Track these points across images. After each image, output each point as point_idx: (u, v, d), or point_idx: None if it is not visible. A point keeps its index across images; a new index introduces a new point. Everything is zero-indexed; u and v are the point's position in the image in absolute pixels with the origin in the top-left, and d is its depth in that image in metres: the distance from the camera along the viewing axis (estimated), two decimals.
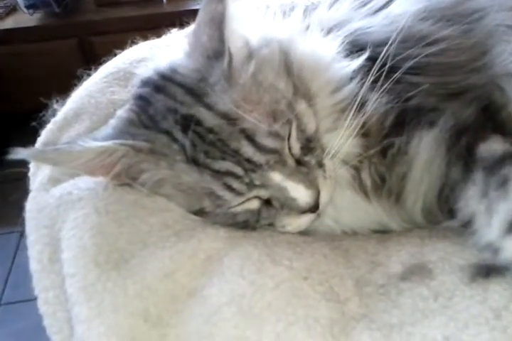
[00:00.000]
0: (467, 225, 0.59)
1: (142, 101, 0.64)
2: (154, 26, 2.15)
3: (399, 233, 0.65)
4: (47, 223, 0.60)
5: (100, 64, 0.86)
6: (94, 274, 0.51)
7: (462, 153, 0.63)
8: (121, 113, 0.65)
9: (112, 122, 0.64)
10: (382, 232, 0.68)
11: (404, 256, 0.58)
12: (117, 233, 0.57)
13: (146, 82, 0.66)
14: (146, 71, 0.68)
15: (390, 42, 0.72)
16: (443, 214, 0.64)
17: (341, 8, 0.83)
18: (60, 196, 0.62)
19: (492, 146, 0.62)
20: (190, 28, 0.97)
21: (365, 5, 0.82)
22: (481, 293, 0.52)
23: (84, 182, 0.63)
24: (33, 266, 0.58)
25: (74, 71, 0.83)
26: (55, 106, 0.77)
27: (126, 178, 0.63)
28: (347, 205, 0.67)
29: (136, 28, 2.15)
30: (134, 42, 0.93)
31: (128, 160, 0.61)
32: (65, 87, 0.80)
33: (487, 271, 0.54)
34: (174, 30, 1.05)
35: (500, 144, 0.63)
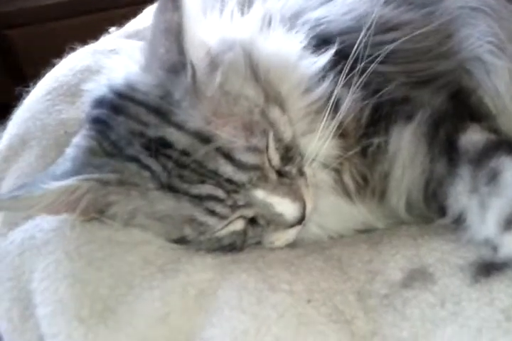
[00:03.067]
0: (459, 221, 0.58)
1: (101, 125, 0.57)
2: (77, 13, 2.03)
3: (388, 233, 0.63)
4: (11, 275, 0.53)
5: (38, 78, 0.77)
6: (79, 332, 0.46)
7: (444, 147, 0.61)
8: (79, 140, 0.58)
9: (70, 152, 0.57)
10: (369, 231, 0.66)
11: (401, 261, 0.57)
12: (96, 279, 0.51)
13: (100, 102, 0.59)
14: (97, 87, 0.61)
15: (352, 31, 0.68)
16: (430, 210, 0.62)
17: None
18: (21, 241, 0.55)
19: (473, 137, 0.61)
20: (131, 27, 0.90)
21: None
22: (486, 293, 0.51)
23: (48, 222, 0.56)
24: (2, 326, 0.51)
25: None
26: None
27: (94, 213, 0.57)
28: (331, 209, 0.64)
29: (57, 17, 2.01)
30: (71, 49, 0.85)
31: (94, 195, 0.55)
32: None
33: (488, 270, 0.53)
34: (113, 30, 0.97)
35: (480, 133, 0.62)
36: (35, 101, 0.72)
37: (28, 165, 0.63)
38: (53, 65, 0.82)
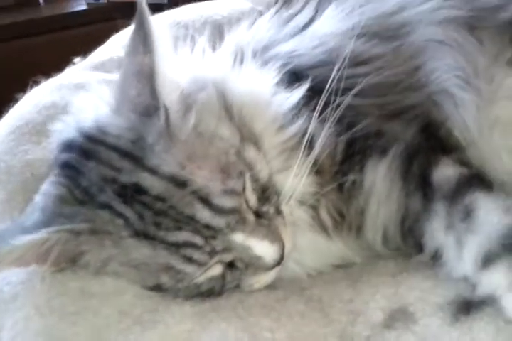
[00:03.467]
0: (436, 257, 0.58)
1: (70, 171, 0.55)
2: (33, 33, 1.99)
3: (367, 269, 0.63)
4: None
5: None
6: None
7: (419, 182, 0.62)
8: (48, 188, 0.56)
9: (38, 201, 0.55)
10: (347, 266, 0.66)
11: (381, 301, 0.56)
12: (70, 335, 0.49)
13: (69, 146, 0.57)
14: (66, 129, 0.59)
15: (323, 64, 0.69)
16: (407, 245, 0.63)
17: (263, 27, 0.78)
18: None
19: (445, 172, 0.62)
20: (96, 58, 0.88)
21: (287, 22, 0.79)
22: (467, 332, 0.52)
23: (16, 275, 0.54)
24: None
25: None
26: None
27: (65, 262, 0.55)
28: (309, 246, 0.64)
29: (14, 37, 1.97)
30: (35, 83, 0.82)
31: (66, 245, 0.53)
32: None
33: (467, 308, 0.54)
34: (77, 60, 0.94)
35: (452, 168, 0.63)
36: None
37: None
38: (16, 100, 0.79)
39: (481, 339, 0.51)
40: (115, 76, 0.80)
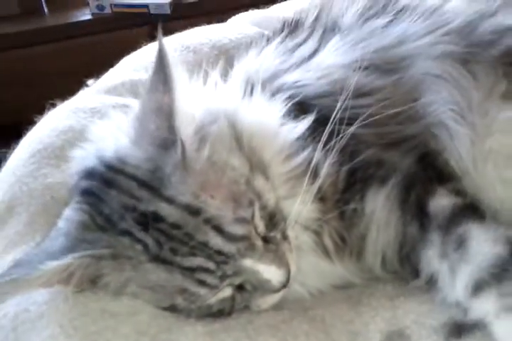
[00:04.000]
0: (431, 283, 0.63)
1: (92, 198, 0.59)
2: (38, 42, 2.01)
3: (367, 292, 0.67)
4: None
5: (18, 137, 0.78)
6: None
7: (416, 211, 0.66)
8: (71, 214, 0.59)
9: (63, 227, 0.59)
10: (347, 287, 0.69)
11: (380, 324, 0.61)
12: None
13: (91, 174, 0.61)
14: (86, 157, 0.63)
15: (328, 95, 0.73)
16: (404, 270, 0.67)
17: (270, 56, 0.82)
18: (14, 315, 0.56)
19: (440, 202, 0.66)
20: (109, 81, 0.92)
21: (293, 52, 0.83)
22: None
23: (41, 295, 0.57)
24: None
25: None
26: None
27: (86, 284, 0.59)
28: (312, 269, 0.68)
29: (19, 46, 2.00)
30: (52, 105, 0.86)
31: (88, 269, 0.56)
32: None
33: (459, 331, 0.58)
34: (91, 82, 0.98)
35: (447, 198, 0.67)
36: (19, 165, 0.73)
37: (15, 233, 0.64)
38: (34, 123, 0.82)
39: None
40: (128, 100, 0.84)
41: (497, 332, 0.55)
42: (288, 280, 0.61)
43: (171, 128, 0.56)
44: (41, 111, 0.85)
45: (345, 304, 0.65)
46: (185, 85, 0.68)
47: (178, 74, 0.68)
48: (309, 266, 0.67)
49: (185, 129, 0.58)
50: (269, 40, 0.90)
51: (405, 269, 0.66)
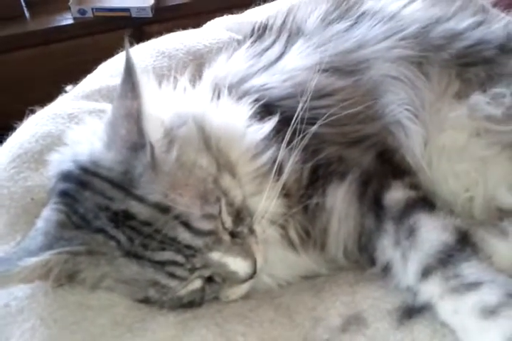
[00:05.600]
0: (386, 270, 0.68)
1: (68, 199, 0.63)
2: (19, 47, 2.02)
3: (330, 280, 0.72)
4: None
5: None
6: None
7: (372, 204, 0.71)
8: (49, 214, 0.63)
9: (41, 226, 0.63)
10: (313, 278, 0.74)
11: (340, 308, 0.66)
12: None
13: (67, 177, 0.65)
14: (63, 161, 0.67)
15: (291, 97, 0.78)
16: (363, 259, 0.72)
17: (239, 61, 0.87)
18: None
19: (394, 195, 0.71)
20: (87, 87, 0.96)
21: (261, 56, 0.87)
22: (408, 334, 0.61)
23: (21, 290, 0.62)
24: None
25: None
26: None
27: (65, 279, 0.63)
28: (279, 260, 0.72)
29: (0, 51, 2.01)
30: (31, 111, 0.90)
31: (66, 265, 0.61)
32: None
33: (410, 313, 0.63)
34: (69, 88, 1.02)
35: (401, 191, 0.72)
36: (1, 169, 0.77)
37: None
38: (14, 129, 0.86)
39: (420, 339, 0.60)
40: (105, 105, 0.89)
41: (441, 312, 0.60)
42: (254, 271, 0.65)
43: (140, 132, 0.60)
44: (21, 117, 0.89)
45: (310, 292, 0.70)
46: (155, 91, 0.73)
47: (148, 80, 0.73)
48: (276, 258, 0.72)
49: (154, 133, 0.63)
50: (239, 44, 0.94)
51: (364, 258, 0.71)
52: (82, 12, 2.12)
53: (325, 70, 0.81)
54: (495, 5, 1.19)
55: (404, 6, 0.90)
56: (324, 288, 0.70)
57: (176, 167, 0.63)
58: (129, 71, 0.60)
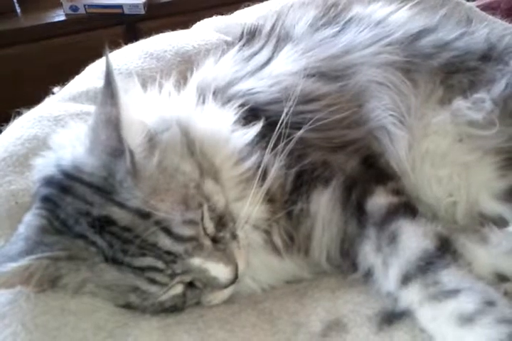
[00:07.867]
0: (367, 275, 0.68)
1: (50, 204, 0.63)
2: (11, 43, 2.01)
3: (312, 285, 0.72)
4: None
5: None
6: None
7: (355, 210, 0.71)
8: (30, 219, 0.64)
9: (22, 231, 0.63)
10: (297, 282, 0.75)
11: (321, 314, 0.66)
12: None
13: (50, 181, 0.65)
14: (47, 165, 0.67)
15: (278, 101, 0.78)
16: (346, 265, 0.72)
17: (227, 64, 0.87)
18: None
19: (377, 201, 0.72)
20: (74, 89, 0.96)
21: (249, 60, 0.87)
22: (388, 340, 0.62)
23: (3, 295, 0.62)
24: None
25: None
26: None
27: (46, 284, 0.63)
28: (263, 265, 0.73)
29: None
30: (17, 113, 0.89)
31: (46, 270, 0.61)
32: None
33: (390, 319, 0.64)
34: (57, 90, 1.02)
35: (384, 198, 0.72)
36: None
37: None
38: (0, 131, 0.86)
39: None
40: (92, 108, 0.88)
41: (420, 318, 0.61)
42: (236, 276, 0.66)
43: (119, 137, 0.60)
44: (7, 119, 0.89)
45: (292, 297, 0.70)
46: (140, 95, 0.73)
47: (134, 84, 0.73)
48: (260, 263, 0.72)
49: (134, 138, 0.62)
50: (228, 46, 0.94)
51: (346, 263, 0.71)
52: (74, 8, 2.11)
53: (311, 75, 0.81)
54: (494, 11, 1.20)
55: (391, 13, 0.91)
56: (307, 293, 0.70)
57: (158, 172, 0.63)
58: (109, 77, 0.60)
